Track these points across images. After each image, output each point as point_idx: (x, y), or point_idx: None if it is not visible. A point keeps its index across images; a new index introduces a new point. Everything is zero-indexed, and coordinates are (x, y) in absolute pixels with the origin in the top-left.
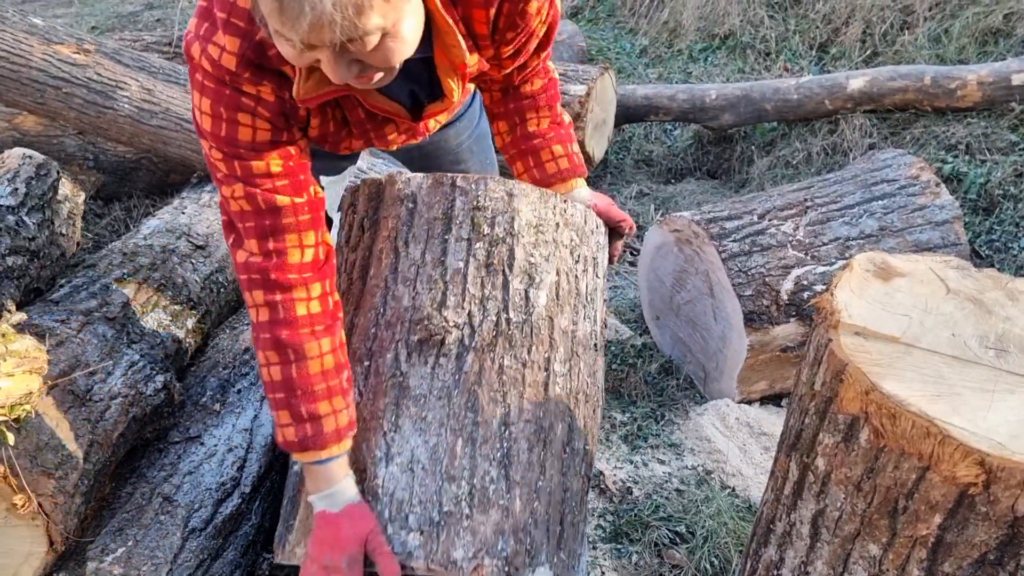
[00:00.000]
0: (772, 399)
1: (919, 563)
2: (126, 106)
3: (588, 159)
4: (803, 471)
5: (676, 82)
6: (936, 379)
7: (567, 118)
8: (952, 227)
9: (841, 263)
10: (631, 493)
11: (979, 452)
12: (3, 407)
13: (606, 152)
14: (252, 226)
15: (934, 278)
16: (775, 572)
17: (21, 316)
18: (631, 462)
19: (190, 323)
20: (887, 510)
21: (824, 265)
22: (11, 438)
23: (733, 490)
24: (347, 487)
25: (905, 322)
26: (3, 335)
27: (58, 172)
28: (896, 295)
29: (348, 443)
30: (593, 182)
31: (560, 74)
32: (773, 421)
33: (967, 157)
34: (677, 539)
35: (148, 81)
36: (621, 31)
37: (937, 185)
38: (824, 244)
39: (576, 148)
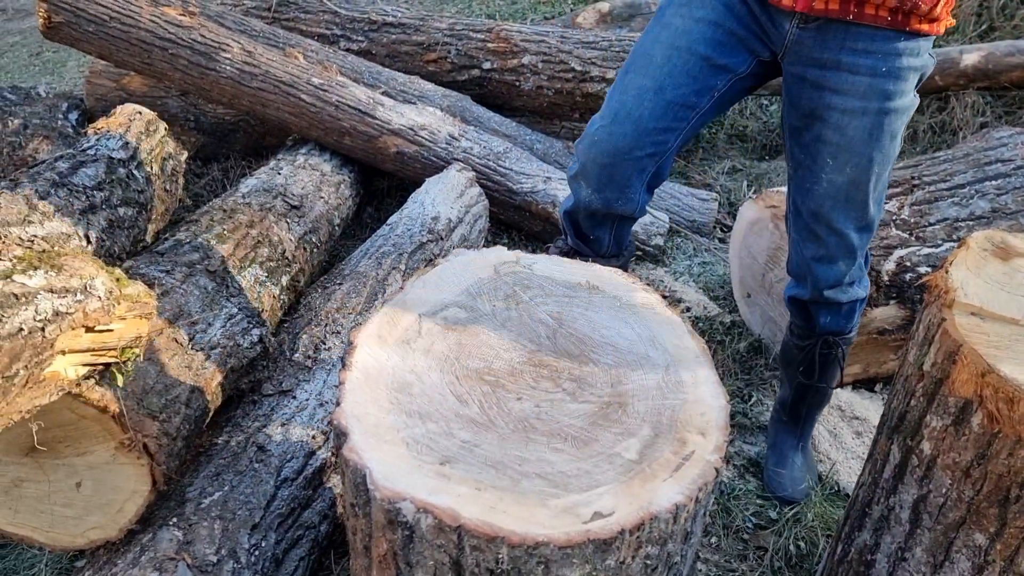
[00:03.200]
0: (865, 383)
1: None
2: (228, 68)
3: None
4: (906, 454)
5: None
6: None
7: None
8: None
9: (948, 245)
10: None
11: None
12: (115, 349)
13: None
14: None
15: None
16: (868, 557)
17: (130, 263)
18: None
19: (284, 280)
20: (998, 498)
21: (929, 246)
22: (121, 380)
23: (821, 475)
24: None
25: None
26: (118, 279)
27: (165, 129)
28: (1016, 275)
29: None
30: (685, 156)
31: None
32: (866, 405)
33: None
34: (763, 522)
35: (249, 44)
36: None
37: None
38: (931, 224)
39: None
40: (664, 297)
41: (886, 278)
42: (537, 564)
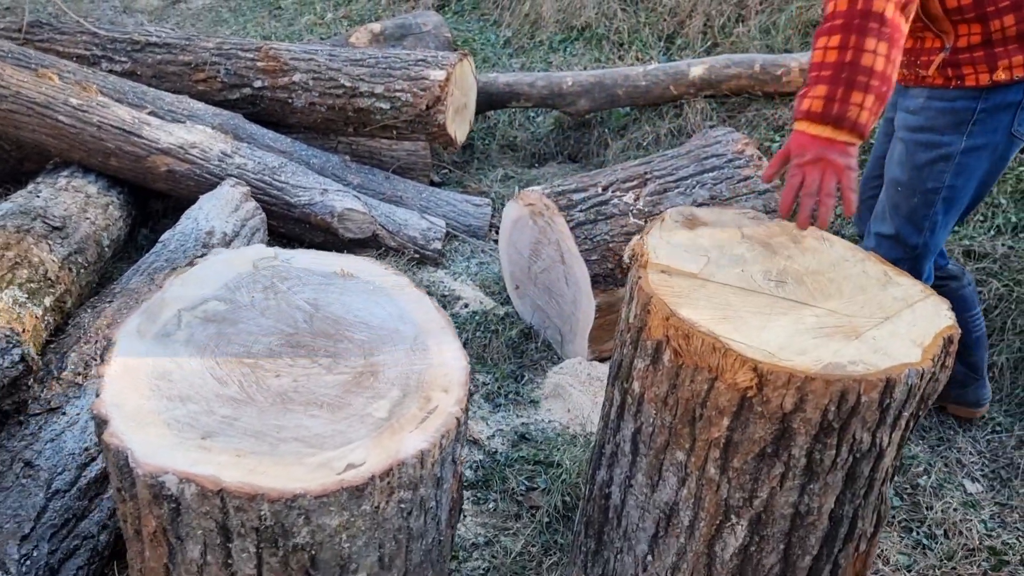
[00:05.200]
0: None
1: (715, 462)
2: None
3: (451, 141)
4: (623, 396)
5: (537, 71)
6: (724, 306)
7: None
8: (773, 195)
9: None
10: (492, 446)
11: (753, 360)
12: None
13: (471, 137)
14: None
15: (732, 226)
16: (606, 490)
17: None
18: (494, 418)
19: (48, 301)
20: (688, 419)
21: None
22: None
23: (586, 437)
24: None
25: (703, 261)
26: None
27: None
28: (698, 240)
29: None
30: (460, 166)
31: (420, 59)
32: None
33: None
34: (535, 485)
35: None
36: (486, 23)
37: (760, 159)
38: (661, 213)
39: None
40: (443, 296)
41: (627, 260)
42: (298, 516)
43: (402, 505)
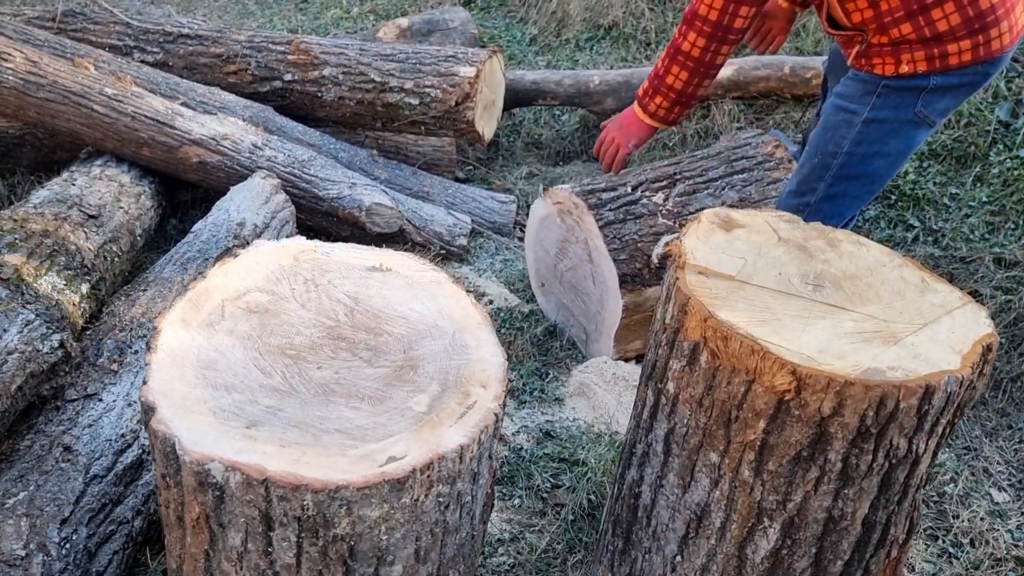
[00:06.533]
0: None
1: (749, 464)
2: (11, 78)
3: (478, 138)
4: (657, 396)
5: (563, 69)
6: (762, 309)
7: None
8: None
9: None
10: (517, 442)
11: (792, 364)
12: None
13: (496, 134)
14: None
15: (768, 229)
16: (636, 490)
17: None
18: (519, 415)
19: (85, 288)
20: (723, 421)
21: None
22: None
23: (611, 436)
24: None
25: (740, 263)
26: None
27: None
28: (735, 242)
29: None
30: (485, 162)
31: (450, 55)
32: None
33: None
34: (560, 483)
35: (34, 53)
36: (512, 20)
37: (790, 161)
38: (691, 213)
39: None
40: (468, 292)
41: (656, 260)
42: (340, 507)
43: (440, 499)
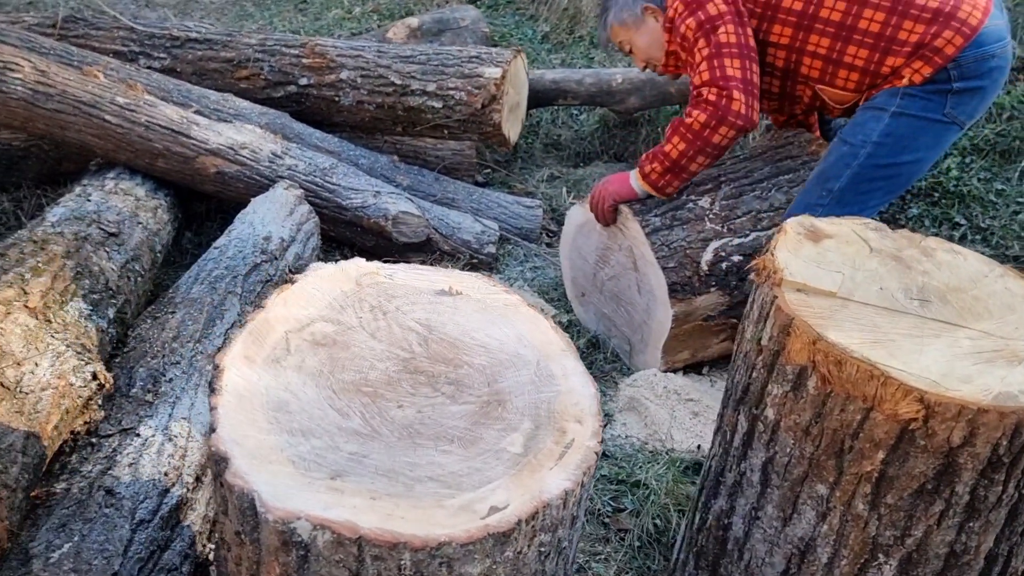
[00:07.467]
0: (693, 368)
1: (864, 497)
2: (19, 88)
3: (504, 141)
4: (752, 422)
5: (579, 67)
6: (872, 328)
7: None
8: None
9: (755, 234)
10: None
11: (918, 390)
12: None
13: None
14: None
15: (857, 239)
16: (725, 521)
17: None
18: None
19: (111, 312)
20: (834, 451)
21: (739, 237)
22: None
23: (668, 454)
24: None
25: (838, 278)
26: None
27: None
28: (827, 255)
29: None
30: (504, 165)
31: (473, 56)
32: (697, 387)
33: None
34: (621, 506)
35: (42, 63)
36: (522, 18)
37: None
38: (738, 217)
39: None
40: (546, 315)
41: (705, 268)
42: (440, 565)
43: (541, 548)
